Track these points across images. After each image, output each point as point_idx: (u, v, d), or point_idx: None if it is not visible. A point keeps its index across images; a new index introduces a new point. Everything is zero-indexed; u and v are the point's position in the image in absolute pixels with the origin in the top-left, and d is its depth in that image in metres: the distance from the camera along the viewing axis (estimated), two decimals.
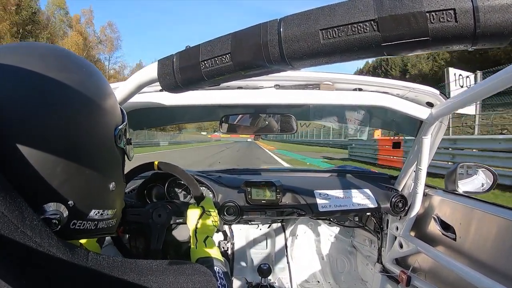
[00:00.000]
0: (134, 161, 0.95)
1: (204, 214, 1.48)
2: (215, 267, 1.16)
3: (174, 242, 1.61)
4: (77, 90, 0.59)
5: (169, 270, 0.65)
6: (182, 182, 1.91)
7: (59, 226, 0.57)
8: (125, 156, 0.76)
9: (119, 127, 0.70)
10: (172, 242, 1.62)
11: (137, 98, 1.48)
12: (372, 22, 0.54)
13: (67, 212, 0.58)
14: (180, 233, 1.62)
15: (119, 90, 1.12)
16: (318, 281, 2.78)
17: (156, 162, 1.62)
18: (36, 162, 0.53)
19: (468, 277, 1.55)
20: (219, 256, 1.30)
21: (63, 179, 0.57)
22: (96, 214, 0.65)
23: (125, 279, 0.57)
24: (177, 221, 1.60)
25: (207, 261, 1.22)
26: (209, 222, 1.47)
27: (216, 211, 1.57)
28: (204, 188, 2.09)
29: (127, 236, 1.77)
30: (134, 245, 1.74)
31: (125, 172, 0.79)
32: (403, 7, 0.52)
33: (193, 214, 1.48)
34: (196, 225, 1.43)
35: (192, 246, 1.36)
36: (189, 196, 2.02)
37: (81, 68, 0.63)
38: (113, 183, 0.69)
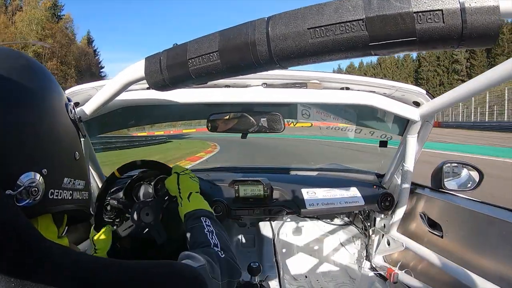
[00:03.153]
0: None
1: (179, 176, 1.51)
2: (201, 218, 1.20)
3: (177, 231, 1.62)
4: (27, 74, 0.67)
5: (153, 271, 0.64)
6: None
7: (39, 195, 0.61)
8: (79, 133, 0.80)
9: (68, 104, 0.76)
10: (155, 243, 1.62)
11: (124, 96, 1.47)
12: (360, 21, 0.54)
13: (43, 181, 0.62)
14: (178, 223, 1.63)
15: (105, 87, 1.11)
16: (306, 277, 2.78)
17: (115, 171, 1.65)
18: (7, 139, 0.58)
19: (455, 273, 1.57)
20: (205, 207, 1.32)
21: (34, 150, 0.62)
22: (69, 183, 0.71)
23: (113, 279, 0.57)
24: (165, 205, 1.61)
25: (193, 214, 1.25)
26: (188, 179, 1.50)
27: (189, 170, 1.59)
28: None
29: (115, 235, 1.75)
30: (122, 243, 1.73)
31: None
32: (391, 7, 0.52)
33: (171, 183, 1.51)
34: (178, 188, 1.45)
35: (179, 206, 1.38)
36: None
37: (21, 58, 0.68)
38: (77, 152, 0.75)
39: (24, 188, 0.58)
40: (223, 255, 0.98)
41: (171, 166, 1.70)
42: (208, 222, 1.16)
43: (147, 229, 1.60)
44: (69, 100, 0.77)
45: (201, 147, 20.63)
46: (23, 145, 0.60)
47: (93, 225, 1.65)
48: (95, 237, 1.55)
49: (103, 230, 1.58)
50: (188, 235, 1.16)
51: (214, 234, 1.09)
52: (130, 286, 0.59)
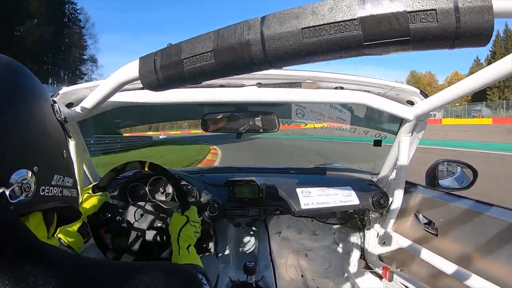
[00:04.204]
0: None
1: (188, 223, 1.49)
2: (199, 275, 1.18)
3: (153, 243, 1.61)
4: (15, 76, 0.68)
5: (152, 271, 0.64)
6: (163, 179, 1.91)
7: (31, 192, 0.62)
8: (65, 133, 0.81)
9: (54, 104, 0.77)
10: (150, 244, 1.62)
11: (118, 97, 1.46)
12: (354, 21, 0.54)
13: (34, 179, 0.64)
14: (161, 235, 1.62)
15: (99, 88, 1.10)
16: (302, 276, 2.79)
17: (147, 163, 1.62)
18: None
19: (449, 271, 1.59)
20: (200, 264, 1.31)
21: (25, 148, 0.63)
22: (59, 180, 0.72)
23: (112, 280, 0.57)
24: (159, 225, 1.61)
25: (192, 268, 1.23)
26: (192, 232, 1.48)
27: (200, 222, 1.57)
28: (188, 186, 2.08)
29: (109, 236, 1.75)
30: (117, 244, 1.73)
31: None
32: (385, 7, 0.52)
33: (177, 222, 1.49)
34: (179, 233, 1.43)
35: (174, 252, 1.36)
36: (170, 195, 2.01)
37: (4, 60, 0.69)
38: (64, 151, 0.76)
39: (16, 185, 0.59)
40: None
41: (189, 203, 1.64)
42: (205, 281, 1.16)
43: (132, 228, 1.60)
44: (54, 102, 0.78)
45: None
46: (14, 143, 0.61)
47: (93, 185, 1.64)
48: (87, 198, 1.57)
49: (97, 194, 1.59)
50: None
51: None
52: (128, 286, 0.59)
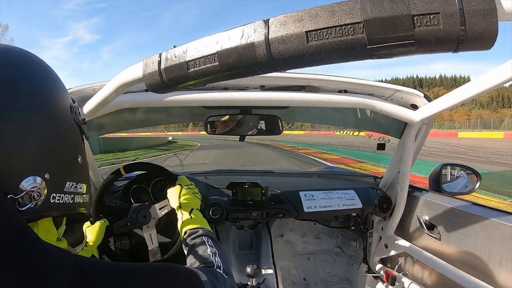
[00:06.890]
0: None
1: (183, 189, 1.50)
2: (203, 237, 1.18)
3: (169, 239, 1.63)
4: (36, 73, 0.66)
5: (153, 274, 0.64)
6: (165, 181, 1.91)
7: (41, 200, 0.60)
8: (83, 135, 0.79)
9: (73, 105, 0.74)
10: (166, 240, 1.63)
11: (122, 98, 1.47)
12: (358, 24, 0.54)
13: (45, 185, 0.61)
14: (173, 230, 1.63)
15: (103, 89, 1.10)
16: (304, 280, 2.78)
17: (121, 168, 1.66)
18: (10, 144, 0.57)
19: (452, 275, 1.58)
20: (206, 225, 1.30)
21: (37, 155, 0.61)
22: (71, 187, 0.69)
23: (112, 281, 0.57)
24: (163, 212, 1.61)
25: (195, 231, 1.23)
26: (190, 193, 1.49)
27: (194, 184, 1.59)
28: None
29: (112, 238, 1.76)
30: (119, 246, 1.73)
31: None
32: (389, 10, 0.52)
33: (172, 194, 1.50)
34: (179, 201, 1.44)
35: (179, 221, 1.36)
36: None
37: (24, 56, 0.67)
38: (79, 156, 0.73)
39: (26, 192, 0.57)
40: (227, 277, 0.97)
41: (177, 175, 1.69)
42: (211, 243, 1.14)
43: (141, 231, 1.61)
44: (73, 101, 0.76)
45: None
46: (26, 150, 0.59)
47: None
48: (89, 229, 1.57)
49: (97, 223, 1.59)
50: (188, 252, 1.15)
51: (217, 255, 1.08)
52: None
